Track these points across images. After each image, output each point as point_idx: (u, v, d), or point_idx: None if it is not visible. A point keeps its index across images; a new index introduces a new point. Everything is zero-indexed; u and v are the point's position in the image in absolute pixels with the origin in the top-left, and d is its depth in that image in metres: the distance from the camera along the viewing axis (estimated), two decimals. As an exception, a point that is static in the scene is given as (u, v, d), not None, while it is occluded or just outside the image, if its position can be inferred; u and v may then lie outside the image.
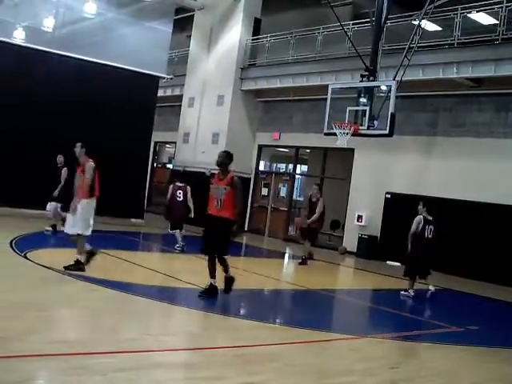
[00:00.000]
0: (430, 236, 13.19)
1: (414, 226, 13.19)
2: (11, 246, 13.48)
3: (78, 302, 9.01)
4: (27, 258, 12.21)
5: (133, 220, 24.02)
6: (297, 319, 10.18)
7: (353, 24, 21.32)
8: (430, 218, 13.32)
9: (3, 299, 8.54)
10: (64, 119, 21.67)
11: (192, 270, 14.32)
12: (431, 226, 13.24)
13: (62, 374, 5.92)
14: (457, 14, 18.48)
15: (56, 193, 17.14)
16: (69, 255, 13.72)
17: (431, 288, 13.39)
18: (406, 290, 13.35)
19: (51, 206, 17.19)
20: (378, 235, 20.37)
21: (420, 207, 13.34)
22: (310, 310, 11.20)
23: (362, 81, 17.90)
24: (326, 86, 18.80)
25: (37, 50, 22.01)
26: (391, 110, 16.65)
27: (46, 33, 24.55)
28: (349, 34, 20.26)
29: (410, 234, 13.22)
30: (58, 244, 15.59)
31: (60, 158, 17.45)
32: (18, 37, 23.65)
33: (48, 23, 24.63)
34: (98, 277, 10.92)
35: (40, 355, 6.29)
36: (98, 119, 22.54)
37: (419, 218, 13.24)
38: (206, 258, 10.47)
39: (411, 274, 13.36)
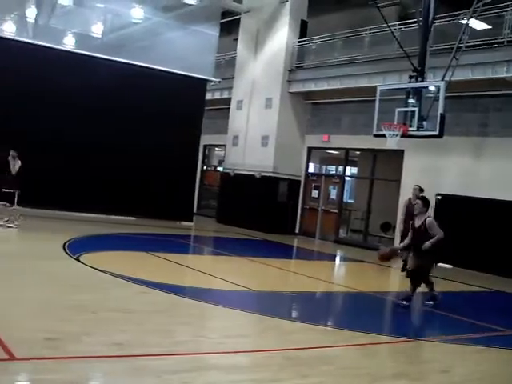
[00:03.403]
0: None
1: (439, 229, 11.47)
2: (64, 249, 13.81)
3: (131, 305, 9.18)
4: (80, 261, 12.46)
5: (183, 223, 24.27)
6: (348, 322, 10.19)
7: (400, 24, 21.19)
8: None
9: (58, 301, 8.81)
10: (113, 123, 22.11)
11: (243, 273, 14.45)
12: None
13: (115, 376, 6.07)
14: (507, 11, 18.26)
15: None
16: (120, 258, 14.02)
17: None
18: (406, 299, 11.67)
19: None
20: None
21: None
22: (361, 313, 11.22)
23: (410, 82, 17.80)
24: (374, 88, 18.75)
25: (86, 55, 22.46)
26: (440, 110, 16.55)
27: (95, 39, 25.05)
28: (396, 34, 20.16)
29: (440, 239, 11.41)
30: (110, 247, 15.85)
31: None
32: (68, 43, 24.18)
33: (97, 29, 25.16)
34: (150, 279, 11.11)
35: (94, 357, 6.44)
36: (147, 123, 22.88)
37: (433, 220, 11.68)
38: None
39: (421, 279, 11.85)
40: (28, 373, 5.88)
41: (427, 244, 11.21)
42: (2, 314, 7.70)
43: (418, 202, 11.80)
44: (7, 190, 16.34)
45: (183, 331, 8.06)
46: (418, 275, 11.69)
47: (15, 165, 16.47)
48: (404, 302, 11.54)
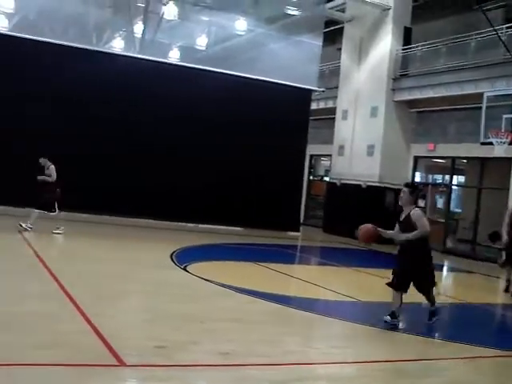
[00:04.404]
0: None
1: (425, 223, 9.44)
2: (171, 259, 14.14)
3: (237, 315, 9.32)
4: (187, 271, 12.70)
5: (290, 233, 24.41)
6: (455, 333, 10.05)
7: (506, 28, 20.68)
8: None
9: (167, 311, 9.05)
10: (220, 135, 22.50)
11: (350, 283, 14.46)
12: None
13: (221, 384, 6.23)
14: None
15: None
16: (227, 268, 14.21)
17: None
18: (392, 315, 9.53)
19: None
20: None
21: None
22: (468, 325, 11.06)
23: (518, 87, 17.45)
24: (481, 94, 18.42)
25: (191, 68, 23.00)
26: (550, 116, 16.15)
27: (200, 51, 25.68)
28: (503, 38, 19.74)
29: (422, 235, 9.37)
30: (217, 257, 16.11)
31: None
32: (174, 56, 24.91)
33: (201, 42, 25.81)
34: (258, 289, 11.25)
35: (200, 365, 6.58)
36: (252, 134, 23.13)
37: (421, 212, 9.63)
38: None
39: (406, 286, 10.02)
40: (136, 380, 6.14)
41: (402, 236, 9.41)
42: (113, 322, 8.00)
43: (405, 190, 9.53)
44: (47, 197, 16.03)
45: (290, 341, 8.12)
46: (403, 281, 9.93)
47: (50, 171, 16.00)
48: (389, 318, 9.45)
